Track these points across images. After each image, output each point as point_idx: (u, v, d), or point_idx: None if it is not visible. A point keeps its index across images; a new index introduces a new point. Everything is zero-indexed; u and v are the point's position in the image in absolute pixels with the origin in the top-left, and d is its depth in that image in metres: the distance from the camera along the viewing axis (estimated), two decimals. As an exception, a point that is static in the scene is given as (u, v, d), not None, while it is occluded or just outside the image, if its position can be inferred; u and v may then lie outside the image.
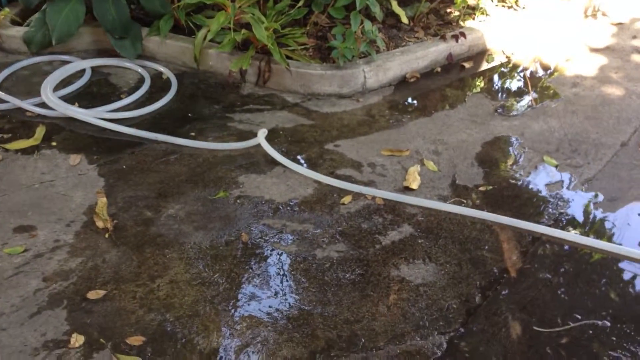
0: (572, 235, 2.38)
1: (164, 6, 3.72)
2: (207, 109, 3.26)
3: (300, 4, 3.53)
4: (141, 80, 3.50)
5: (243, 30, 3.36)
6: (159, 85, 3.48)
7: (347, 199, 2.60)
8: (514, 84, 3.62)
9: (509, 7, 4.22)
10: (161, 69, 3.60)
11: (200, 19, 3.65)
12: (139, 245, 2.32)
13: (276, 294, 2.12)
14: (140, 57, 3.69)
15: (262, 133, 2.92)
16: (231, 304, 2.08)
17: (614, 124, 3.16)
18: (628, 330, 2.01)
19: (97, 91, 3.43)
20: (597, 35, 4.24)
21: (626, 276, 2.24)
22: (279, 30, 3.45)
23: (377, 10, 3.41)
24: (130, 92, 3.36)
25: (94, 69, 3.62)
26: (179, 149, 2.91)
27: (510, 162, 2.86)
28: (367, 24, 3.33)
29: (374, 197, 2.60)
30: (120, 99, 3.28)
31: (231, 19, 3.33)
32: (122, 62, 3.67)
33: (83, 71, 3.56)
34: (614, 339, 1.98)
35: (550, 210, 2.56)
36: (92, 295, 2.10)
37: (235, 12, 3.32)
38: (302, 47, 3.56)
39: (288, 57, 3.41)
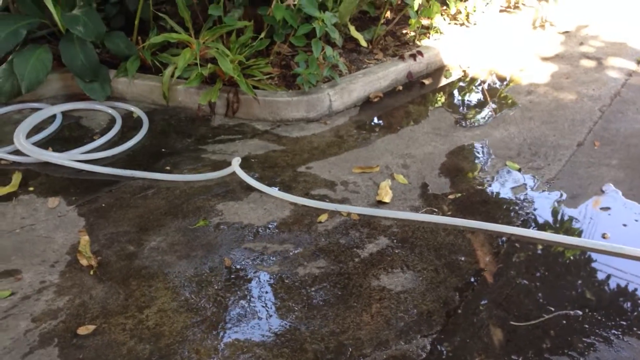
0: (540, 233, 2.51)
1: (129, 48, 3.82)
2: (179, 142, 3.34)
3: (262, 35, 3.66)
4: (113, 121, 3.57)
5: (209, 65, 3.47)
6: (131, 125, 3.55)
7: (323, 217, 2.69)
8: (473, 96, 3.79)
9: (461, 25, 4.42)
10: (131, 108, 3.67)
11: (166, 57, 3.75)
12: (125, 278, 2.37)
13: (263, 313, 2.19)
14: (110, 99, 3.77)
15: (236, 161, 3.00)
16: (220, 326, 2.14)
17: (569, 126, 3.33)
18: (599, 317, 2.12)
19: (70, 135, 3.48)
20: (547, 45, 4.45)
21: (593, 267, 2.36)
22: (244, 62, 3.57)
23: (336, 36, 3.55)
24: (102, 133, 3.43)
25: (65, 114, 3.68)
26: (156, 183, 2.98)
27: (475, 169, 2.99)
28: (328, 50, 3.46)
29: (349, 214, 2.70)
30: (93, 140, 3.34)
31: (197, 55, 3.43)
32: (92, 104, 3.74)
33: (54, 117, 3.62)
34: (587, 326, 2.08)
35: (517, 211, 2.69)
36: (82, 330, 2.14)
37: (200, 48, 3.43)
38: (268, 76, 3.67)
39: (255, 87, 3.52)
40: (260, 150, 3.24)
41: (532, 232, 2.52)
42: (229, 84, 3.53)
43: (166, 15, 3.89)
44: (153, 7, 4.02)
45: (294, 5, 3.51)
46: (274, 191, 2.84)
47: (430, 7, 4.20)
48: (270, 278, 2.35)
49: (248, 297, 2.26)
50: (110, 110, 3.67)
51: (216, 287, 2.31)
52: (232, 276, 2.37)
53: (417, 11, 4.03)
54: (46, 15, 3.74)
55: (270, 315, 2.18)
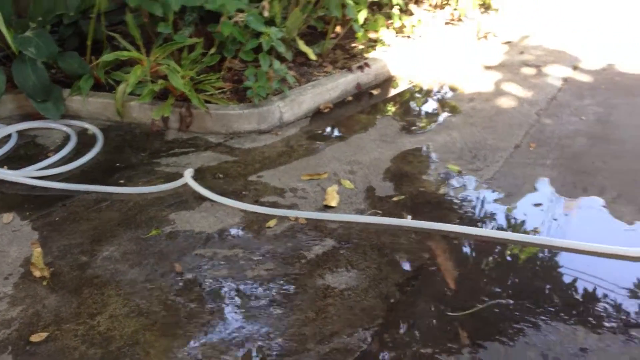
0: (476, 230, 2.65)
1: (82, 67, 3.89)
2: (134, 157, 3.42)
3: (211, 51, 3.77)
4: (67, 138, 3.63)
5: (160, 81, 3.56)
6: (85, 141, 3.61)
7: (272, 223, 2.79)
8: (419, 105, 3.95)
9: (407, 37, 4.60)
10: (86, 125, 3.74)
11: (119, 75, 3.83)
12: (77, 287, 2.43)
13: (211, 313, 2.28)
14: (65, 117, 3.83)
15: (189, 172, 3.10)
16: (169, 328, 2.21)
17: (508, 129, 3.51)
18: (528, 305, 2.25)
19: (25, 153, 3.53)
20: (490, 54, 4.66)
21: (525, 259, 2.51)
22: (195, 77, 3.67)
23: (283, 50, 3.68)
24: (57, 150, 3.48)
25: (20, 133, 3.73)
26: (109, 196, 3.04)
27: (418, 172, 3.13)
28: (276, 63, 3.59)
29: (297, 218, 2.81)
30: (48, 157, 3.40)
31: (148, 72, 3.53)
32: (47, 123, 3.79)
33: (9, 136, 3.66)
34: (517, 313, 2.22)
35: (456, 210, 2.83)
36: (35, 338, 2.19)
37: (150, 65, 3.53)
38: (220, 90, 3.78)
39: (207, 101, 3.62)
40: (213, 162, 3.34)
41: (467, 229, 2.66)
42: (182, 99, 3.62)
43: (120, 35, 3.98)
44: (108, 28, 4.11)
45: (242, 21, 3.63)
46: (224, 199, 2.93)
47: (375, 21, 4.36)
48: (219, 281, 2.44)
49: (197, 300, 2.35)
50: (65, 128, 3.72)
51: (166, 292, 2.39)
52: (182, 281, 2.45)
53: (362, 25, 4.19)
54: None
55: (219, 316, 2.26)
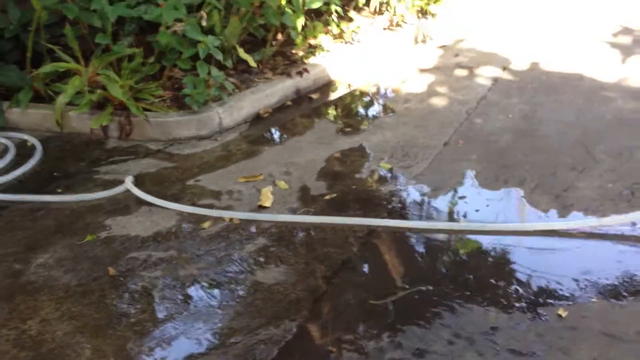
0: (399, 222, 2.77)
1: (22, 79, 3.92)
2: (73, 166, 3.45)
3: (150, 60, 3.83)
4: (5, 150, 3.64)
5: (98, 91, 3.61)
6: (24, 153, 3.62)
7: (207, 224, 2.86)
8: (356, 107, 4.08)
9: (347, 42, 4.73)
10: (25, 137, 3.76)
11: (58, 86, 3.86)
12: (10, 295, 2.46)
13: (142, 313, 2.34)
14: (5, 129, 3.84)
15: (129, 179, 3.16)
16: (100, 329, 2.26)
17: (439, 128, 3.65)
18: (446, 290, 2.37)
19: (-38, 166, 3.53)
20: (426, 58, 4.83)
21: (445, 248, 2.64)
22: (135, 86, 3.73)
23: (221, 58, 3.77)
24: (-6, 162, 3.50)
25: (-43, 146, 3.73)
26: (46, 205, 3.07)
27: (351, 171, 3.24)
28: (214, 71, 3.67)
29: (231, 219, 2.89)
30: (-15, 169, 3.41)
31: (85, 82, 3.57)
32: (-15, 135, 3.80)
33: (-54, 149, 3.66)
34: (435, 298, 2.33)
35: (385, 205, 2.94)
36: (-35, 345, 2.23)
37: (88, 76, 3.58)
38: (160, 99, 3.84)
39: (147, 110, 3.68)
40: (152, 168, 3.39)
41: (393, 222, 2.78)
42: (121, 108, 3.67)
43: (60, 47, 4.01)
44: (50, 40, 4.13)
45: (180, 31, 3.70)
46: (161, 201, 3.00)
47: (314, 27, 4.48)
48: (151, 281, 2.50)
49: (129, 301, 2.40)
50: (3, 140, 3.73)
51: (99, 295, 2.44)
52: (115, 283, 2.50)
53: (301, 32, 4.31)
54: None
55: (150, 315, 2.32)
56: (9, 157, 3.52)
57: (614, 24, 5.47)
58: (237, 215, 2.90)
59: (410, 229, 2.75)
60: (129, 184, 3.12)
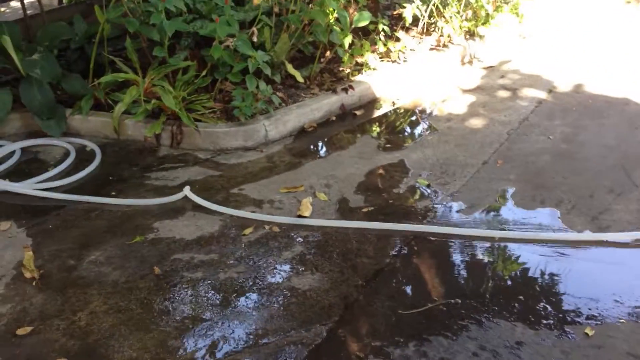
0: (433, 228, 2.87)
1: (84, 88, 4.17)
2: (126, 171, 3.66)
3: (203, 73, 4.03)
4: (67, 154, 3.88)
5: (153, 100, 3.82)
6: (84, 157, 3.85)
7: (248, 231, 3.00)
8: (399, 125, 4.16)
9: (393, 61, 4.83)
10: (85, 142, 4.00)
11: (117, 95, 4.10)
12: (63, 287, 2.65)
13: (184, 312, 2.48)
14: (66, 134, 4.09)
15: (187, 188, 3.32)
16: (143, 323, 2.42)
17: (479, 147, 3.70)
18: (474, 304, 2.43)
19: (27, 167, 3.78)
20: (471, 78, 4.88)
21: (474, 262, 2.70)
22: (187, 97, 3.93)
23: (269, 72, 3.93)
24: (56, 165, 3.74)
25: (24, 149, 3.99)
26: (100, 206, 3.28)
27: (389, 186, 3.33)
28: (262, 85, 3.84)
29: (272, 227, 3.02)
30: (47, 171, 3.65)
31: (142, 92, 3.79)
32: (50, 140, 4.05)
33: (14, 152, 3.92)
34: (463, 311, 2.39)
35: (420, 219, 3.01)
36: (20, 332, 2.41)
37: (145, 86, 3.79)
38: (211, 110, 4.02)
39: (197, 120, 3.87)
40: (199, 176, 3.56)
41: (426, 227, 2.90)
42: (174, 118, 3.87)
43: (122, 59, 4.26)
44: (112, 52, 4.39)
45: (232, 46, 3.89)
46: (207, 202, 3.17)
47: (361, 46, 4.61)
48: (193, 282, 2.64)
49: (172, 299, 2.55)
50: (65, 145, 3.98)
51: (144, 292, 2.60)
52: (160, 282, 2.66)
53: (348, 50, 4.44)
54: (9, 61, 4.09)
55: (191, 311, 2.47)
56: (68, 161, 3.76)
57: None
58: (277, 219, 3.03)
59: (446, 235, 2.84)
60: (187, 191, 3.28)
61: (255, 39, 4.01)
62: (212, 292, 2.58)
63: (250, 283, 2.62)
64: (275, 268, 2.72)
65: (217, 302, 2.52)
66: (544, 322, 2.30)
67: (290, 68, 4.29)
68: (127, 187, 3.48)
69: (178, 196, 3.28)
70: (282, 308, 2.47)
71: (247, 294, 2.56)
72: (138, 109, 3.86)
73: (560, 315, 2.33)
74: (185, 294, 2.58)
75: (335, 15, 4.23)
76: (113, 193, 3.42)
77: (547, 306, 2.38)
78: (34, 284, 2.69)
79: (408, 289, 2.55)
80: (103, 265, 2.79)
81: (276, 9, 4.27)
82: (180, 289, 2.61)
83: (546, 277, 2.56)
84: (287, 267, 2.72)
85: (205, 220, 3.12)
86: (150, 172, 3.64)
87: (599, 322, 2.29)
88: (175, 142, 3.86)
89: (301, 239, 2.91)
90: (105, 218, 3.17)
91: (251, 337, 2.32)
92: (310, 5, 4.29)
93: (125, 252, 2.89)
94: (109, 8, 4.13)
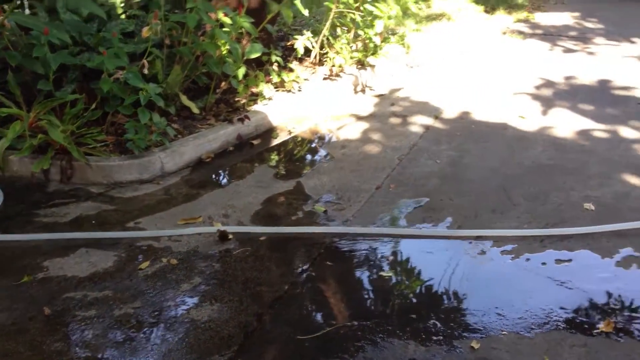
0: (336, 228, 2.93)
1: (-37, 124, 3.95)
2: (12, 209, 3.49)
3: (92, 106, 3.93)
4: (-55, 193, 3.65)
5: (39, 135, 3.68)
6: (-36, 196, 3.64)
7: (145, 265, 2.94)
8: (296, 153, 4.26)
9: (288, 91, 4.95)
10: (-35, 180, 3.78)
11: (1, 131, 3.91)
12: (-59, 335, 2.48)
13: (76, 351, 2.39)
14: (-56, 173, 3.84)
15: None
16: (32, 367, 2.31)
17: (372, 172, 3.86)
18: (370, 325, 2.52)
19: None
20: (364, 106, 5.09)
21: (367, 287, 2.80)
22: (76, 131, 3.81)
23: (162, 104, 3.91)
24: None
25: None
26: (-17, 247, 3.11)
27: (286, 213, 3.40)
28: (155, 117, 3.81)
29: (169, 260, 2.98)
30: None
31: (26, 127, 3.65)
32: None
33: None
34: (359, 333, 2.47)
35: (318, 245, 3.09)
36: None
37: (30, 121, 3.65)
38: (103, 143, 3.93)
39: (89, 154, 3.76)
40: (92, 211, 3.46)
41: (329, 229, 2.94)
42: (63, 152, 3.74)
43: (3, 93, 4.07)
44: (-7, 86, 4.20)
45: (122, 78, 3.84)
46: (99, 233, 3.10)
47: (256, 76, 4.69)
48: (85, 320, 2.56)
49: (63, 340, 2.45)
50: (-58, 184, 3.74)
51: (33, 334, 2.48)
52: (50, 322, 2.55)
53: (243, 80, 4.50)
54: None
55: (84, 354, 2.38)
56: (-53, 200, 3.53)
57: (537, 78, 5.88)
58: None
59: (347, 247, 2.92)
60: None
61: (146, 71, 3.97)
62: (107, 329, 2.51)
63: (147, 318, 2.57)
64: (174, 301, 2.68)
65: (113, 339, 2.45)
66: (434, 338, 2.42)
67: (184, 99, 4.28)
68: (12, 225, 3.31)
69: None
70: (180, 341, 2.44)
71: (144, 330, 2.50)
72: (24, 144, 3.70)
73: (449, 331, 2.46)
74: (79, 333, 2.49)
75: (227, 47, 4.28)
76: (-3, 232, 3.25)
77: (437, 323, 2.51)
78: None
79: (305, 315, 2.61)
80: (-13, 309, 2.64)
81: (167, 41, 4.26)
82: (73, 329, 2.51)
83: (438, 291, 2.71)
84: (185, 299, 2.69)
85: (99, 256, 3.03)
86: (39, 209, 3.49)
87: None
88: (65, 177, 3.73)
89: (201, 271, 2.90)
90: (-11, 259, 3.01)
91: (149, 373, 2.28)
92: (202, 37, 4.32)
93: (12, 293, 2.74)
94: (-13, 41, 3.97)
